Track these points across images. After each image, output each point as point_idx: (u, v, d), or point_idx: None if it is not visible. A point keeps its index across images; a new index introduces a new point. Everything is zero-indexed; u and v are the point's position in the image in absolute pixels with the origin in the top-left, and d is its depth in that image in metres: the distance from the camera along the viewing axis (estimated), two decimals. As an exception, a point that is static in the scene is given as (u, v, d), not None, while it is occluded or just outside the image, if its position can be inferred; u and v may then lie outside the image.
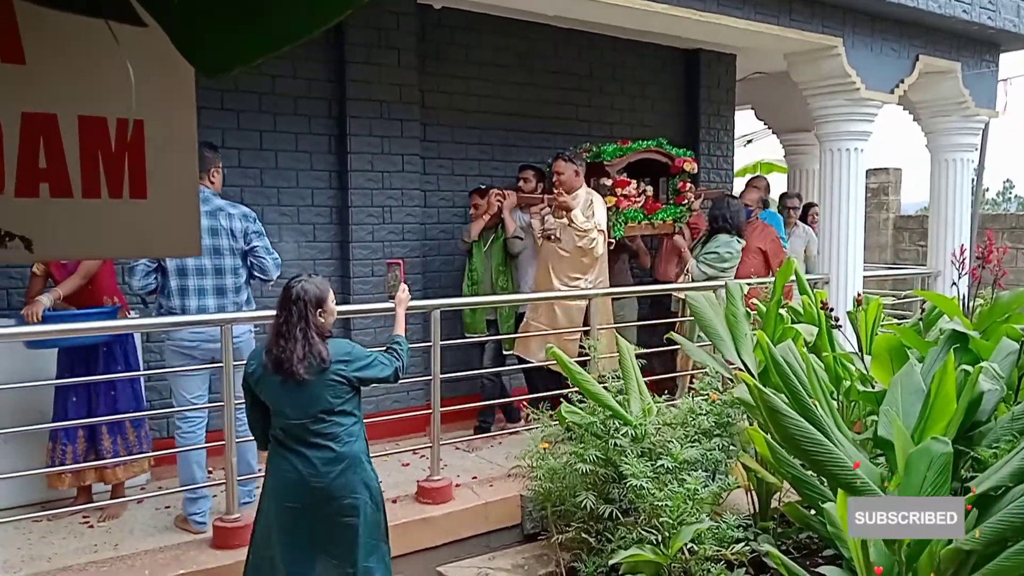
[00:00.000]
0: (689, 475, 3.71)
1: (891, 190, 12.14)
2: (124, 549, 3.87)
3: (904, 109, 7.63)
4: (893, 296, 7.82)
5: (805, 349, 4.11)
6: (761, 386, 3.08)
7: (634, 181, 5.95)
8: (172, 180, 0.93)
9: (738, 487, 4.19)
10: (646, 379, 4.60)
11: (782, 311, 4.53)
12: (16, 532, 4.09)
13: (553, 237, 5.44)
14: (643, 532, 3.70)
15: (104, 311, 4.29)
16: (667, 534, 3.61)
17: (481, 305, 5.70)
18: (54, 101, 0.86)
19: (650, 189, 6.15)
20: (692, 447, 3.97)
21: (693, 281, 5.81)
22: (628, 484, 3.74)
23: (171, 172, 0.93)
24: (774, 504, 4.37)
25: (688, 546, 3.59)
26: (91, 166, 0.87)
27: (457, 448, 5.31)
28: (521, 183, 6.07)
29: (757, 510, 4.34)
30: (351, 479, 3.09)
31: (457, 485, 4.68)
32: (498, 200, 5.76)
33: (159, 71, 0.89)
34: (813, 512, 3.56)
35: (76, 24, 0.73)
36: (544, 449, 4.26)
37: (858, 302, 4.39)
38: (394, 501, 4.45)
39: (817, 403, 3.38)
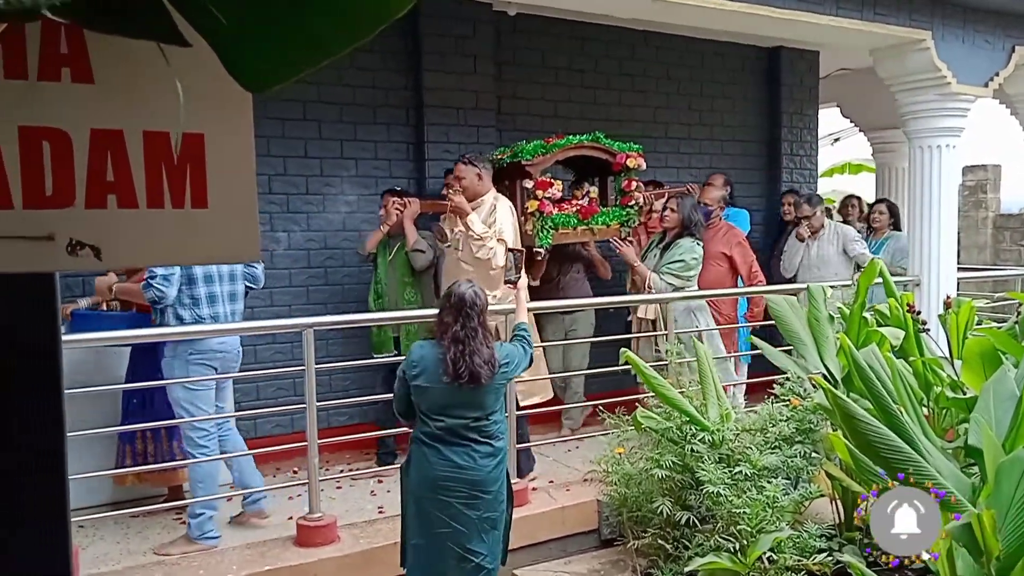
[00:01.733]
0: (769, 482, 3.63)
1: (990, 187, 11.56)
2: (215, 544, 4.03)
3: (1000, 103, 7.27)
4: (987, 299, 7.43)
5: (891, 354, 3.96)
6: (838, 391, 2.98)
7: (558, 182, 5.24)
8: (232, 189, 0.97)
9: (821, 496, 4.06)
10: (601, 401, 4.57)
11: (867, 314, 4.38)
12: (115, 527, 4.30)
13: (454, 247, 4.89)
14: (721, 540, 3.63)
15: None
16: (745, 542, 3.54)
17: (360, 323, 5.09)
18: (120, 118, 0.91)
19: (594, 190, 5.41)
20: (772, 454, 3.88)
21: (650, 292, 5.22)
22: (705, 491, 3.68)
23: (231, 182, 0.97)
24: (860, 514, 4.22)
25: (767, 555, 3.51)
26: (155, 178, 0.92)
27: (538, 453, 5.32)
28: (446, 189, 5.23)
29: (842, 520, 4.20)
30: (501, 473, 3.28)
31: (534, 489, 4.69)
32: (397, 209, 5.07)
33: (218, 86, 0.93)
34: (899, 523, 3.42)
35: (139, 45, 0.76)
36: (620, 454, 4.23)
37: (947, 305, 4.20)
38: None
39: (903, 409, 3.25)
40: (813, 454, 4.13)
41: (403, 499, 3.35)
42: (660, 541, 3.93)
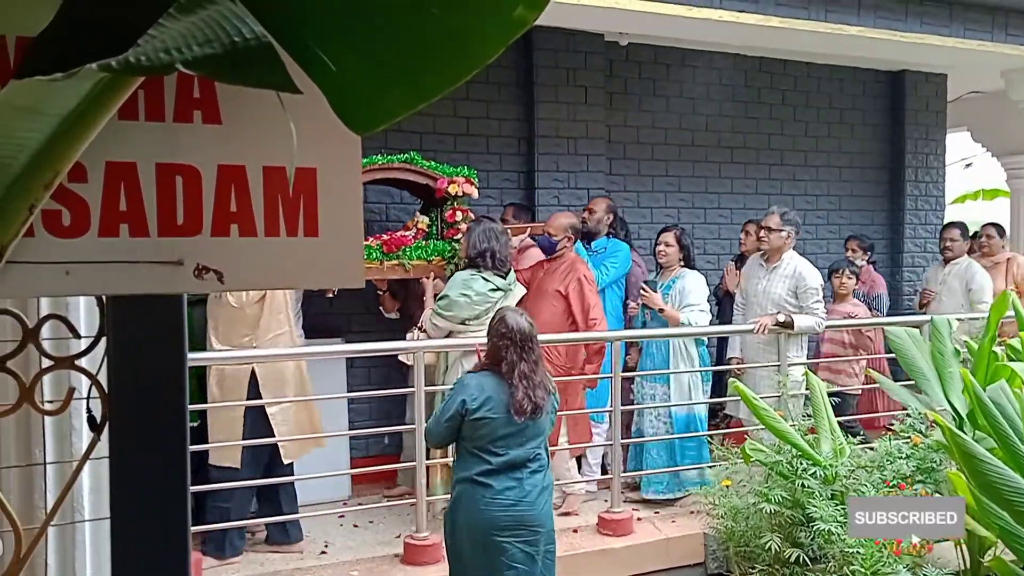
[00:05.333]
0: (885, 523, 3.46)
1: None
2: (326, 559, 4.18)
3: None
4: None
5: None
6: (959, 429, 2.84)
7: None
8: (340, 220, 1.05)
9: (945, 540, 3.84)
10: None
11: (997, 349, 4.14)
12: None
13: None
14: (833, 581, 3.49)
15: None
16: (860, 585, 3.38)
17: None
18: (243, 154, 1.00)
19: (424, 221, 4.76)
20: (889, 493, 3.71)
21: (428, 336, 4.44)
22: (816, 528, 3.55)
23: (339, 212, 1.05)
24: (988, 560, 3.97)
25: (883, 599, 3.35)
26: (272, 209, 1.01)
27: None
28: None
29: (967, 566, 3.95)
30: (550, 505, 3.22)
31: (639, 519, 4.63)
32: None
33: (329, 125, 1.01)
34: (1030, 572, 3.21)
35: (259, 91, 0.84)
36: (726, 487, 4.14)
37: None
38: (575, 531, 4.50)
39: (1033, 451, 3.05)
40: (935, 495, 3.92)
41: (451, 545, 3.19)
42: (769, 579, 3.81)
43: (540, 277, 4.90)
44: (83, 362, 0.97)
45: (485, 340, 3.32)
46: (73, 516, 1.08)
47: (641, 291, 5.06)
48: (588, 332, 4.67)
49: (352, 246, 1.07)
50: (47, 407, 0.96)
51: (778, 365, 5.00)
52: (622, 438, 4.77)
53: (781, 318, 4.92)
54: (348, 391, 5.14)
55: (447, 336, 4.39)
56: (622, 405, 4.64)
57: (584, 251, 5.17)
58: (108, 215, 0.93)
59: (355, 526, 4.69)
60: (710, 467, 4.53)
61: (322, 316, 5.14)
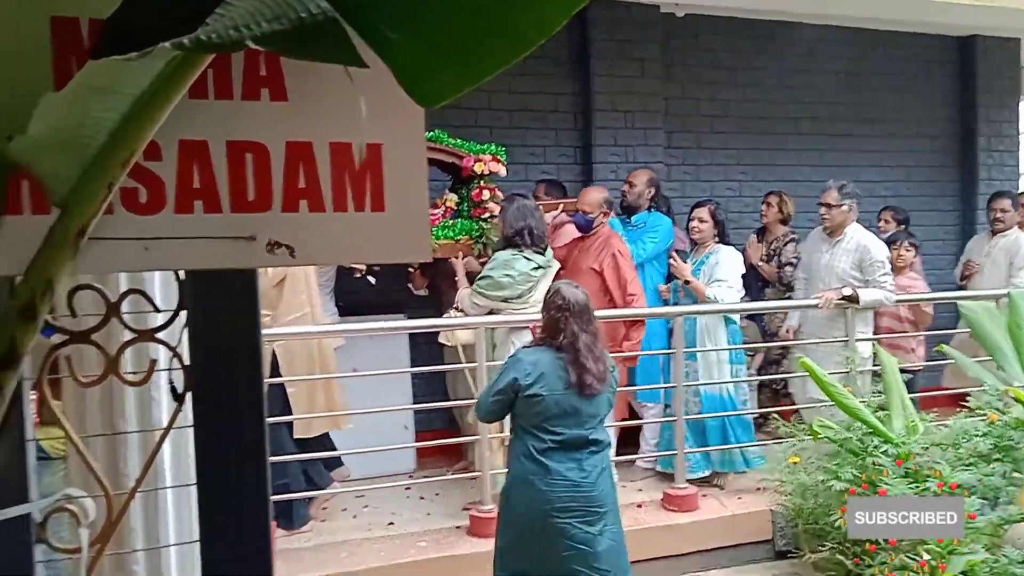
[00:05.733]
0: (961, 501, 3.37)
1: None
2: (393, 531, 4.26)
3: None
4: None
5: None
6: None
7: None
8: (406, 194, 1.06)
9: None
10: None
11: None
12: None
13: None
14: (906, 559, 3.41)
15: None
16: (934, 563, 3.30)
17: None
18: (310, 130, 1.02)
19: (454, 198, 4.79)
20: (965, 471, 3.61)
21: (464, 315, 4.42)
22: (887, 506, 3.47)
23: (405, 187, 1.06)
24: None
25: (958, 578, 3.26)
26: (340, 184, 1.02)
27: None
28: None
29: (1048, 546, 3.82)
30: (610, 484, 3.11)
31: (703, 495, 4.60)
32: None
33: (394, 101, 1.02)
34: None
35: (325, 66, 0.85)
36: (794, 464, 4.08)
37: None
38: (639, 506, 4.50)
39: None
40: (1014, 473, 3.79)
41: (504, 525, 3.10)
42: (839, 557, 3.75)
43: (575, 255, 4.85)
44: (163, 335, 1.00)
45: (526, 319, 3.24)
46: (157, 483, 1.12)
47: (670, 259, 4.97)
48: (626, 308, 4.61)
49: (418, 220, 1.08)
50: (130, 378, 1.00)
51: (842, 340, 4.88)
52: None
53: (847, 292, 4.80)
54: (412, 366, 5.17)
55: (487, 314, 4.37)
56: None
57: (621, 226, 5.07)
58: (183, 192, 0.96)
59: (421, 498, 4.76)
60: (776, 443, 4.45)
61: (384, 292, 5.19)
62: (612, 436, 4.91)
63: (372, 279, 4.88)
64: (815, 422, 3.98)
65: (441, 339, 4.85)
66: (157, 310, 1.01)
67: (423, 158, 1.08)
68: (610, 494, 3.08)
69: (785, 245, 5.61)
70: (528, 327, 4.28)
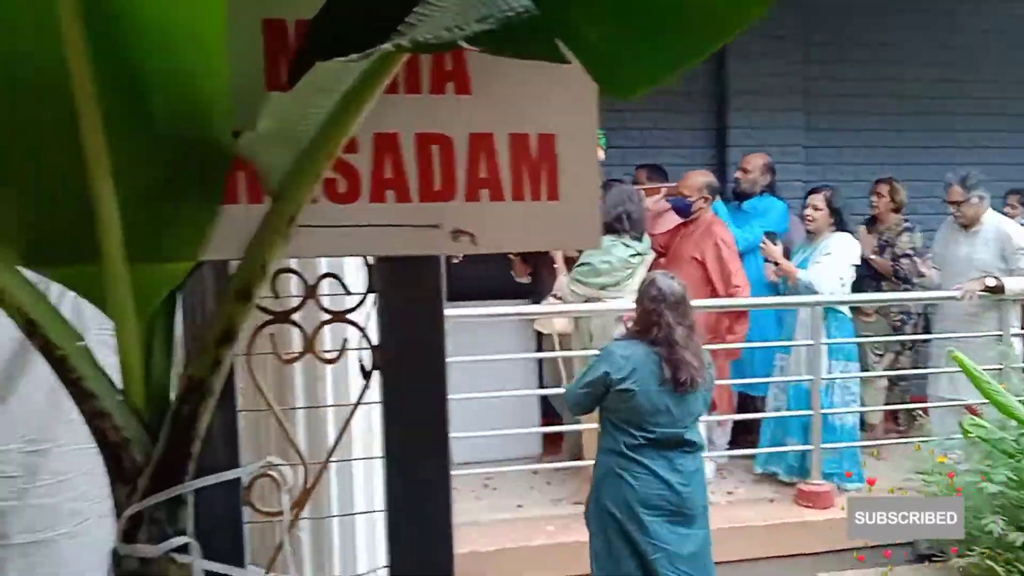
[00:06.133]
0: None
1: None
2: (521, 513, 4.34)
3: None
4: None
5: None
6: None
7: None
8: (578, 184, 1.09)
9: None
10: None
11: None
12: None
13: None
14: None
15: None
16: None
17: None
18: (491, 122, 1.06)
19: None
20: None
21: (563, 302, 4.40)
22: (1047, 511, 3.28)
23: (578, 177, 1.09)
24: None
25: None
26: (517, 174, 1.06)
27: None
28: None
29: None
30: (702, 486, 3.02)
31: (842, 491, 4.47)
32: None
33: (568, 93, 1.05)
34: None
35: (505, 61, 0.88)
36: (941, 463, 3.90)
37: None
38: (771, 501, 4.41)
39: None
40: None
41: (595, 526, 3.01)
42: (989, 562, 3.57)
43: (677, 241, 4.71)
44: (353, 316, 1.07)
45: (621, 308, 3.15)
46: (349, 454, 1.21)
47: (762, 242, 4.71)
48: (730, 299, 4.45)
49: (589, 209, 1.10)
50: (326, 356, 1.08)
51: (995, 335, 4.59)
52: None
53: (990, 282, 4.50)
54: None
55: (585, 303, 4.31)
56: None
57: (727, 212, 4.88)
58: (377, 182, 1.02)
59: (548, 483, 4.83)
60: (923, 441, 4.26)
61: (487, 279, 5.14)
62: (727, 433, 4.84)
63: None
64: (966, 421, 3.78)
65: (536, 327, 4.84)
66: (349, 293, 1.09)
67: (595, 149, 1.11)
68: (702, 497, 2.97)
69: (899, 235, 5.14)
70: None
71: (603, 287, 4.28)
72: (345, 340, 1.07)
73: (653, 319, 2.89)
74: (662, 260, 4.55)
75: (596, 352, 3.91)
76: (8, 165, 0.88)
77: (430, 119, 1.04)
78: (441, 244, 1.03)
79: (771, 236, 4.73)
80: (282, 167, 0.91)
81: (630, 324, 3.19)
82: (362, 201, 1.01)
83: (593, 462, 4.10)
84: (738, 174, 5.08)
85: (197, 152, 0.90)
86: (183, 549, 0.89)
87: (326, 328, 1.08)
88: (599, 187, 1.11)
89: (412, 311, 1.05)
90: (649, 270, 4.15)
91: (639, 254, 4.28)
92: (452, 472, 3.51)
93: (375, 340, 1.06)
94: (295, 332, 1.07)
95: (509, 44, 0.77)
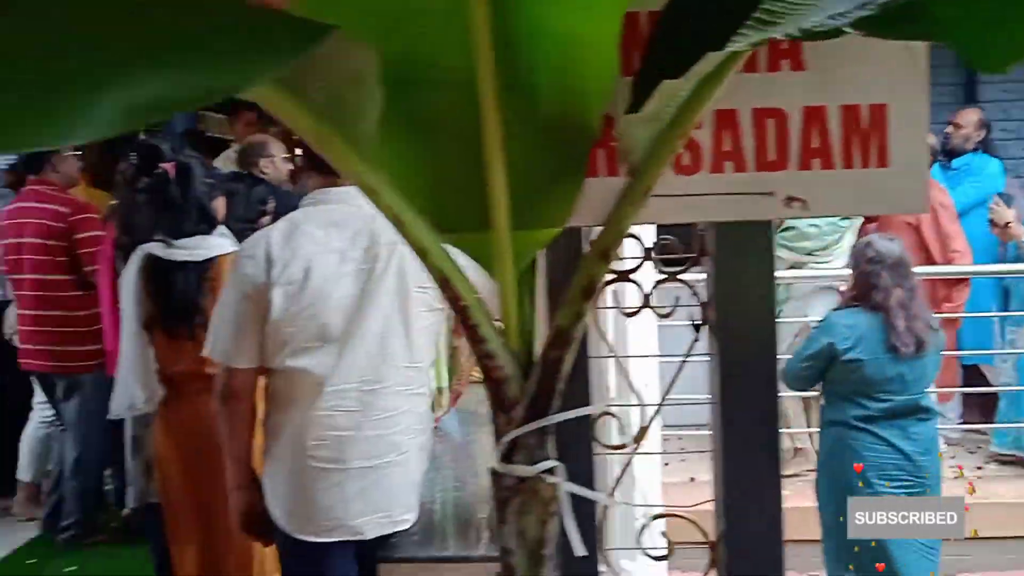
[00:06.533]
0: None
1: None
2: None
3: None
4: None
5: None
6: None
7: None
8: (908, 150, 1.13)
9: None
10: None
11: None
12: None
13: None
14: None
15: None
16: None
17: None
18: (823, 95, 1.13)
19: None
20: None
21: None
22: None
23: (907, 144, 1.13)
24: None
25: None
26: (847, 143, 1.13)
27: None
28: None
29: None
30: (936, 456, 2.93)
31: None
32: None
33: (899, 65, 1.10)
34: None
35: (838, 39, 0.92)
36: None
37: None
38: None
39: None
40: None
41: (825, 498, 2.92)
42: None
43: None
44: (685, 276, 1.19)
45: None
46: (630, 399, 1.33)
47: (992, 205, 4.28)
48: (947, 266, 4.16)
49: (918, 174, 1.15)
50: (660, 311, 1.21)
51: None
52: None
53: None
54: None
55: (789, 268, 4.14)
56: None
57: (941, 173, 4.51)
58: (716, 155, 1.12)
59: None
60: None
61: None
62: (958, 405, 4.55)
63: None
64: None
65: None
66: (680, 256, 1.20)
67: (926, 117, 1.14)
68: (936, 466, 2.87)
69: None
70: (832, 288, 4.03)
71: (810, 252, 4.15)
72: (677, 298, 1.19)
73: (871, 282, 2.81)
74: (870, 226, 4.34)
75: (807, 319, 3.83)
76: (423, 148, 1.06)
77: (766, 95, 1.12)
78: (774, 209, 1.12)
79: (1004, 197, 4.40)
80: (643, 145, 1.03)
81: (847, 292, 3.11)
82: (703, 172, 1.12)
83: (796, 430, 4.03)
84: (949, 130, 4.71)
85: (572, 134, 1.05)
86: (550, 472, 1.06)
87: (662, 288, 1.20)
88: (928, 152, 1.14)
89: (744, 271, 1.15)
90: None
91: (848, 217, 4.11)
92: (680, 433, 3.61)
93: (704, 298, 1.17)
94: (631, 288, 1.20)
95: (889, 28, 0.84)
